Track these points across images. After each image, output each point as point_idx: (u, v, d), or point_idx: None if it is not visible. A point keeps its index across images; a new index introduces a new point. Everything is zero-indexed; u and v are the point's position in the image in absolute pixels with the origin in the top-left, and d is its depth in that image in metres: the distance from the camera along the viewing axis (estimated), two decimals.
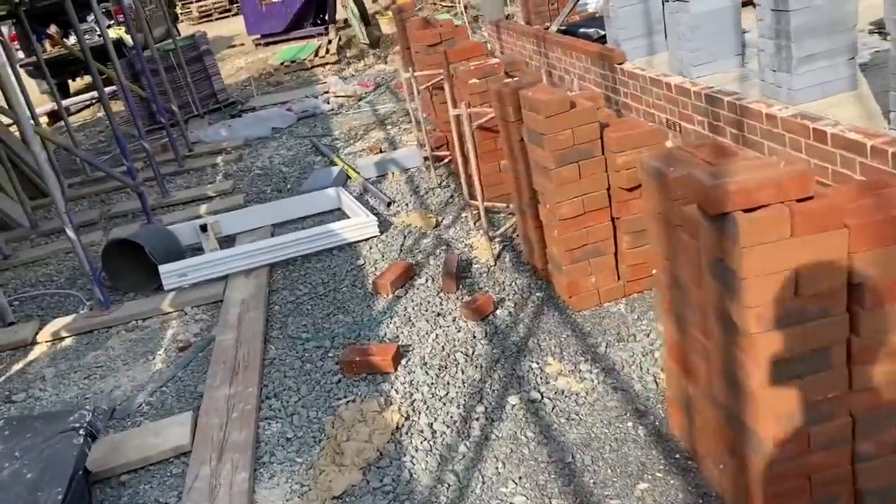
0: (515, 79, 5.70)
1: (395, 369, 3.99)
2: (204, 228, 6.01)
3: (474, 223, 5.60)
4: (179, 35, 11.87)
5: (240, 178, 8.30)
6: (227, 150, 9.47)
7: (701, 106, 5.63)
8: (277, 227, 6.48)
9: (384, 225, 5.94)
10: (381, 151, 7.92)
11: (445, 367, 3.94)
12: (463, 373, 3.87)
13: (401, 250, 5.49)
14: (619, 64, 6.98)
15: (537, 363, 3.80)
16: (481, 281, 4.79)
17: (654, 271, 2.83)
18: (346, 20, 15.08)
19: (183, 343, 4.86)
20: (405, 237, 5.69)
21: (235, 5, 22.91)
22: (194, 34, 11.98)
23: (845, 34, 6.18)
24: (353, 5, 14.77)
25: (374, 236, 5.78)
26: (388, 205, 6.39)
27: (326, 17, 16.14)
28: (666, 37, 9.18)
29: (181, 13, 22.81)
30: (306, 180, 7.37)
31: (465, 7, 14.48)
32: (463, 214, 5.86)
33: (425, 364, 4.01)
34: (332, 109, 10.70)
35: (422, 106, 7.08)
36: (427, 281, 4.95)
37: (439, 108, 7.06)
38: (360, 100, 10.97)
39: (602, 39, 9.62)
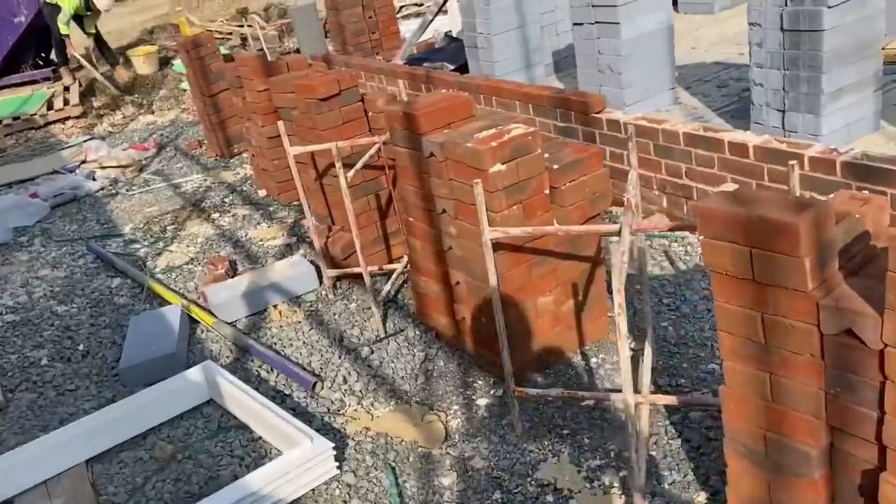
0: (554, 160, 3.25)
1: None
2: None
3: (519, 426, 3.02)
4: None
5: None
6: None
7: (825, 180, 3.58)
8: (100, 459, 3.35)
9: (332, 440, 3.11)
10: (234, 267, 4.93)
11: None
12: None
13: None
14: (598, 113, 4.75)
15: None
16: None
17: None
18: (85, 55, 11.36)
19: None
20: (395, 473, 2.94)
21: None
22: None
23: (873, 60, 4.62)
24: (86, 37, 11.16)
25: (333, 478, 2.95)
26: (314, 387, 3.55)
27: (53, 57, 12.12)
28: (544, 66, 7.46)
29: None
30: (124, 339, 4.18)
31: (253, 38, 11.48)
32: (479, 401, 3.25)
33: None
34: (104, 188, 7.33)
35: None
36: None
37: (333, 193, 4.35)
38: (141, 170, 7.70)
39: (461, 71, 7.49)
